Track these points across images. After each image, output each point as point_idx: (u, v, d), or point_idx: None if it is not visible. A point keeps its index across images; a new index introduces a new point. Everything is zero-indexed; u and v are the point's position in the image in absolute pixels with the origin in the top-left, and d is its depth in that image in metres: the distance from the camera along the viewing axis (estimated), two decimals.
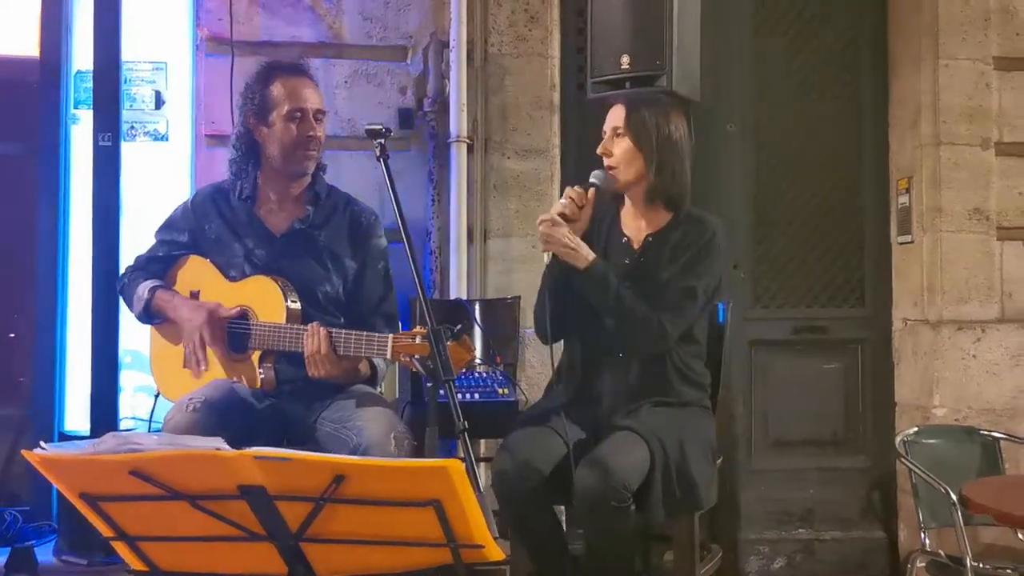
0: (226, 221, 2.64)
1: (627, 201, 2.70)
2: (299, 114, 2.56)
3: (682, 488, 2.41)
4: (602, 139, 2.66)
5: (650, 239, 2.65)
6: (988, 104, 3.88)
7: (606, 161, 2.63)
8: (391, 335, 2.33)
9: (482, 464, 3.13)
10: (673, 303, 2.54)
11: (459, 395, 2.58)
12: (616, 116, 2.64)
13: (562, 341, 2.72)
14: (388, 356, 2.33)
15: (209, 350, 2.53)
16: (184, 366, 2.55)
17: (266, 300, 2.51)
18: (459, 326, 2.20)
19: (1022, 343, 3.87)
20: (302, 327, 2.43)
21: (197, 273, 2.63)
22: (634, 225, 2.69)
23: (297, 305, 2.51)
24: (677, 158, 2.61)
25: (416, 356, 2.22)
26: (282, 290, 2.50)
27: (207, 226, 2.65)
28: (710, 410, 2.69)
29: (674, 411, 2.54)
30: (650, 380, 2.58)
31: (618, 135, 2.62)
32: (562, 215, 2.53)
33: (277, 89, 2.56)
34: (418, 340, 2.24)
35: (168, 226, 2.71)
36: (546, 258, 2.56)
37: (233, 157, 2.64)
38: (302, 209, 2.64)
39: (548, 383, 2.74)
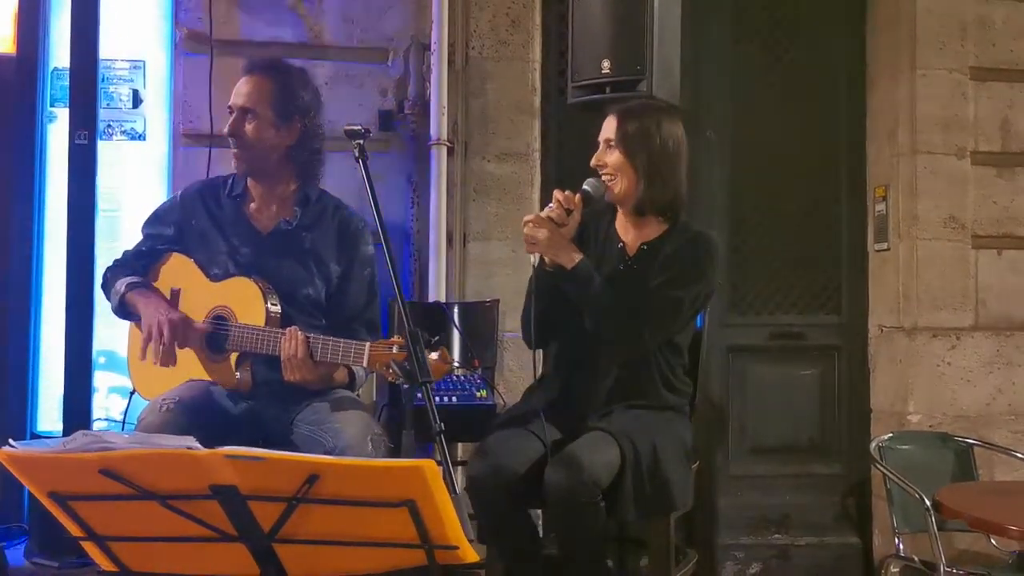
0: (213, 217, 2.63)
1: (619, 210, 2.70)
2: (228, 111, 2.58)
3: (654, 486, 2.40)
4: (591, 146, 2.63)
5: (644, 247, 2.64)
6: (964, 114, 3.92)
7: (601, 172, 2.60)
8: (368, 343, 2.30)
9: (459, 467, 3.11)
10: (657, 312, 2.54)
11: (436, 398, 2.57)
12: (609, 128, 2.61)
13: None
14: (364, 364, 2.31)
15: (188, 350, 2.50)
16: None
17: (246, 302, 2.49)
18: (436, 337, 2.17)
19: (996, 351, 3.91)
20: (280, 331, 2.41)
21: (179, 271, 2.61)
22: (629, 232, 2.68)
23: (277, 308, 2.48)
24: (669, 168, 2.59)
25: (393, 364, 2.21)
26: (263, 293, 2.48)
27: (194, 221, 2.63)
28: (687, 415, 2.69)
29: (649, 413, 2.54)
30: (634, 385, 2.58)
31: (610, 147, 2.60)
32: (549, 218, 2.51)
33: (234, 88, 2.59)
34: (395, 349, 2.23)
35: (155, 219, 2.69)
36: (533, 259, 2.54)
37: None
38: (290, 210, 2.62)
39: (529, 386, 2.73)
